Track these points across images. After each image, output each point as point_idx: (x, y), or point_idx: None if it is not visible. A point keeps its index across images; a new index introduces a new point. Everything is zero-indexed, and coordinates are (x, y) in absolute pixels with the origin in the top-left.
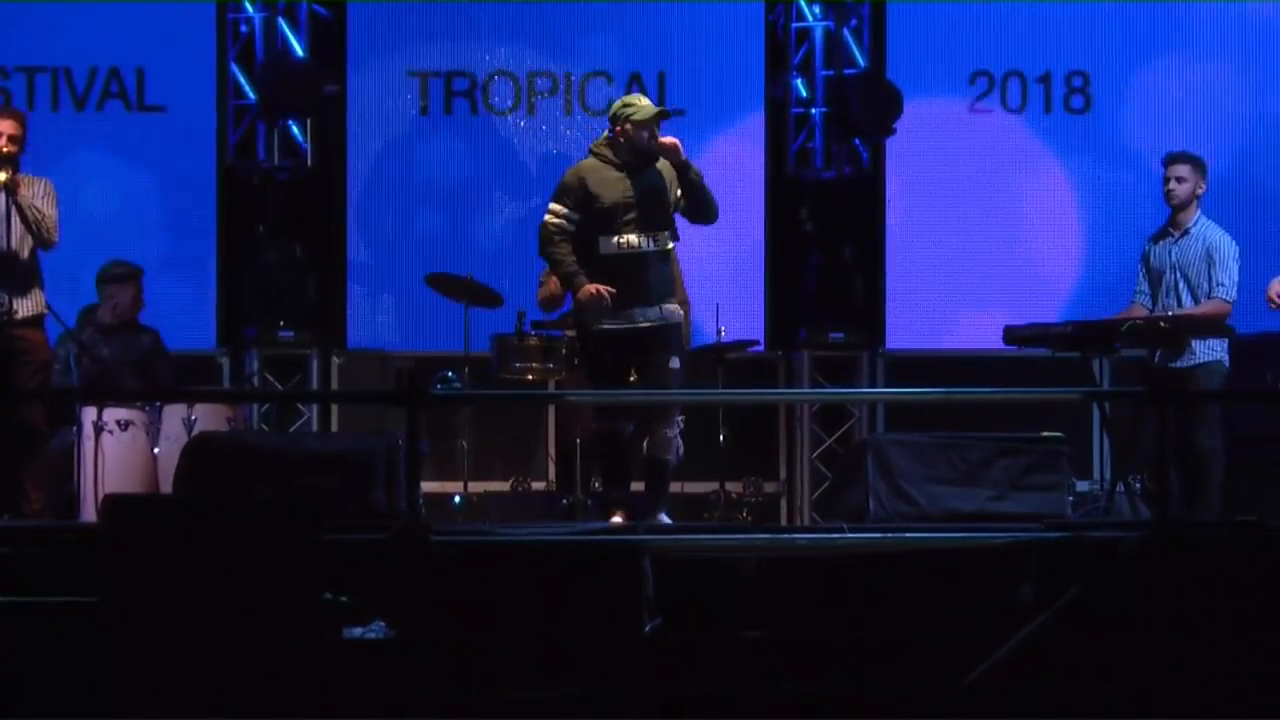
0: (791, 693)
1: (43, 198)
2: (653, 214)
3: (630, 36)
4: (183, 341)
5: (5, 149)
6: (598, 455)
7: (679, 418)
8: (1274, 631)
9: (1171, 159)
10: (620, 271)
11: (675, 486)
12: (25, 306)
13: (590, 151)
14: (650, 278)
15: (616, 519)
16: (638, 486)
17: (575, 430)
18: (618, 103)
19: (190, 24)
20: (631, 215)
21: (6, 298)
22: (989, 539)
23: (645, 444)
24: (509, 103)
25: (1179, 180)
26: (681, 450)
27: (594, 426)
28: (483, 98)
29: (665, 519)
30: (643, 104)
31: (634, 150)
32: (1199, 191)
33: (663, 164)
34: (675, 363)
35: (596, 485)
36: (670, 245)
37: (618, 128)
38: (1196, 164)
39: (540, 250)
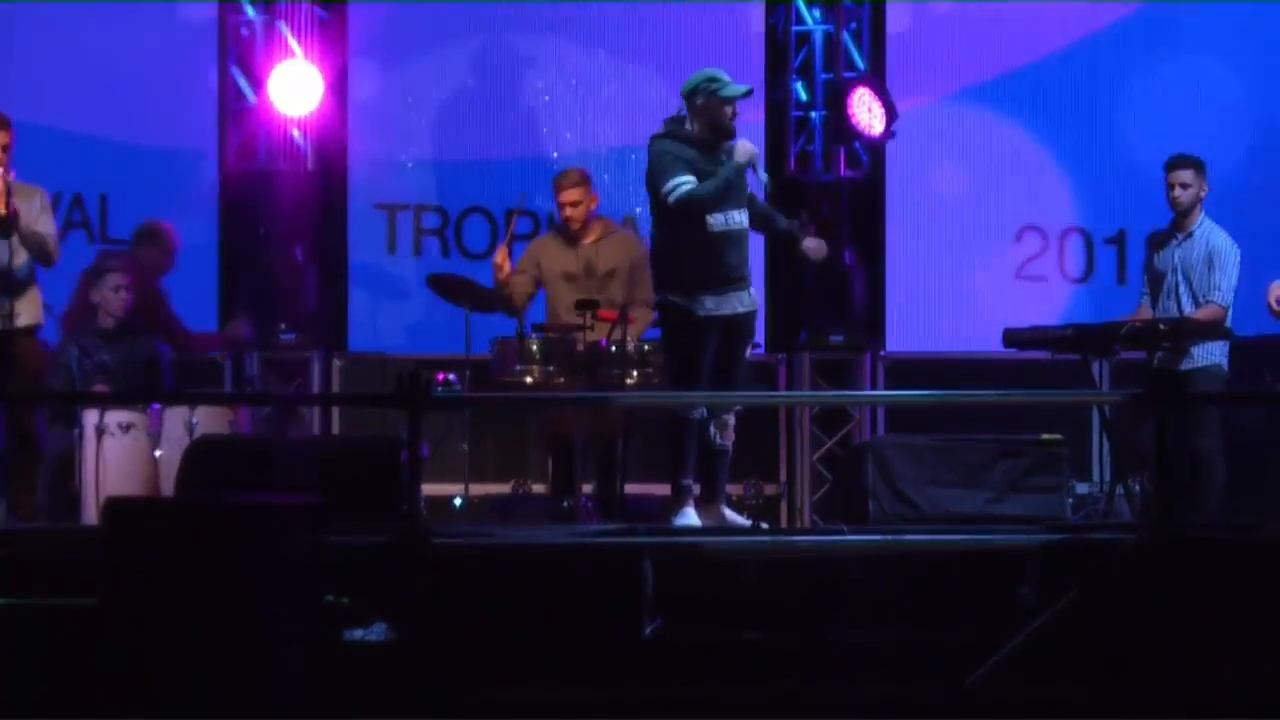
0: (791, 694)
1: (39, 212)
2: (741, 193)
3: (630, 38)
4: None
5: None
6: (672, 445)
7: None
8: (1274, 632)
9: (1174, 164)
10: (728, 247)
11: None
12: (21, 315)
13: (666, 135)
14: (745, 257)
15: (690, 510)
16: (633, 488)
17: (574, 430)
18: (700, 76)
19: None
20: (732, 192)
21: (7, 303)
22: (989, 541)
23: (711, 431)
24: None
25: (1183, 186)
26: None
27: (674, 416)
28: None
29: (729, 513)
30: (728, 80)
31: (712, 125)
32: (1201, 194)
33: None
34: (748, 349)
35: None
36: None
37: (698, 100)
38: (1199, 167)
39: (693, 205)
